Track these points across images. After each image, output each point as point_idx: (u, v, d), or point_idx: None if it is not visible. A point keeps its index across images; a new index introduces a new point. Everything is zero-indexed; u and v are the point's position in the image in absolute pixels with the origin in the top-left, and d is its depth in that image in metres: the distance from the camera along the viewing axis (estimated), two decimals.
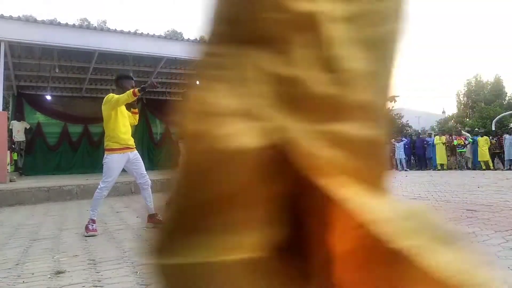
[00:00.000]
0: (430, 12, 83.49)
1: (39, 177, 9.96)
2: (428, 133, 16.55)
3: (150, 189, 3.98)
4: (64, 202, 6.35)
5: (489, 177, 8.90)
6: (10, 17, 8.15)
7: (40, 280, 2.30)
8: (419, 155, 15.36)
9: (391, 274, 0.51)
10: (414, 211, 0.57)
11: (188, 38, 11.31)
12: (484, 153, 13.36)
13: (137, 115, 4.07)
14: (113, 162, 3.73)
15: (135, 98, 3.67)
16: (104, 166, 3.75)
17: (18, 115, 11.38)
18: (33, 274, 2.43)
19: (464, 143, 14.02)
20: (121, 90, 3.86)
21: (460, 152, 14.24)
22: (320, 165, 0.53)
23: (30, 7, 61.69)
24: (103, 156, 3.80)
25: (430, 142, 14.95)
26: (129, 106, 3.99)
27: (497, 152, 13.71)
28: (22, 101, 12.14)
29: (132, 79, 4.01)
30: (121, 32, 9.35)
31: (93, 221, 3.67)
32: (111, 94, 3.80)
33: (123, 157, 3.77)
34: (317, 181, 0.52)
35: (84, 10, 61.56)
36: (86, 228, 3.62)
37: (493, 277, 0.53)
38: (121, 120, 3.79)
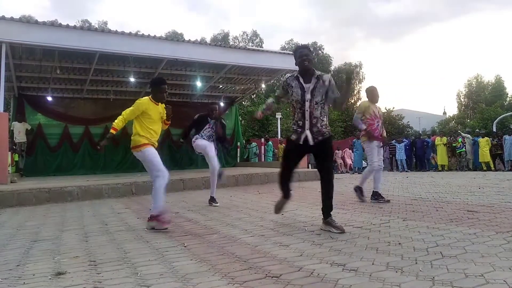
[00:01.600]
0: (430, 14, 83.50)
1: (40, 178, 9.97)
2: (427, 134, 16.51)
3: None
4: (65, 203, 6.34)
5: (490, 178, 8.88)
6: (12, 19, 8.16)
7: (40, 282, 2.30)
8: (419, 156, 15.32)
9: None
10: None
11: (189, 40, 11.32)
12: (485, 154, 13.33)
13: (166, 125, 4.24)
14: (151, 151, 3.84)
15: (111, 132, 3.86)
16: (146, 160, 3.83)
17: (19, 116, 11.38)
18: (33, 275, 2.43)
19: (461, 144, 14.01)
20: (155, 95, 4.01)
21: (460, 152, 14.22)
22: None
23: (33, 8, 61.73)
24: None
25: (430, 143, 14.93)
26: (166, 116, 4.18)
27: (498, 153, 13.69)
28: (23, 102, 12.16)
29: (164, 84, 4.09)
30: (122, 33, 9.35)
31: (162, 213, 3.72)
32: (139, 101, 3.96)
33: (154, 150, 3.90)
34: None
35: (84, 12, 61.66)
36: (158, 221, 3.66)
37: None
38: (149, 123, 3.93)
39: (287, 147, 3.63)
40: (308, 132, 3.39)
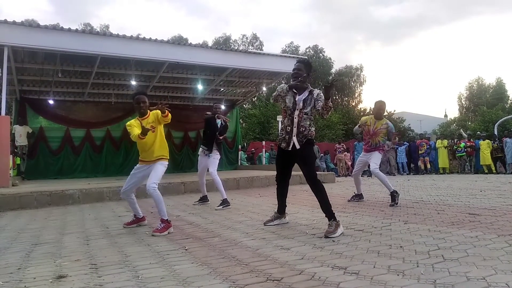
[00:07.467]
0: (432, 15, 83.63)
1: (41, 182, 9.98)
2: (427, 137, 16.45)
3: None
4: (66, 207, 6.35)
5: (491, 181, 8.87)
6: (14, 22, 8.20)
7: (41, 285, 2.30)
8: (414, 158, 15.19)
9: None
10: None
11: (190, 43, 11.34)
12: (486, 157, 13.31)
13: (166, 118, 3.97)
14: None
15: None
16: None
17: (20, 119, 11.41)
18: (34, 278, 2.43)
19: (463, 147, 13.97)
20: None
21: (460, 156, 14.17)
22: None
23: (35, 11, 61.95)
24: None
25: (432, 146, 14.87)
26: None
27: (499, 156, 13.65)
28: (25, 105, 12.19)
29: (135, 96, 4.12)
30: (124, 36, 9.39)
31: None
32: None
33: None
34: None
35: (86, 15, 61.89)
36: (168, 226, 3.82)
37: None
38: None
39: (278, 153, 3.93)
40: (294, 139, 3.68)
